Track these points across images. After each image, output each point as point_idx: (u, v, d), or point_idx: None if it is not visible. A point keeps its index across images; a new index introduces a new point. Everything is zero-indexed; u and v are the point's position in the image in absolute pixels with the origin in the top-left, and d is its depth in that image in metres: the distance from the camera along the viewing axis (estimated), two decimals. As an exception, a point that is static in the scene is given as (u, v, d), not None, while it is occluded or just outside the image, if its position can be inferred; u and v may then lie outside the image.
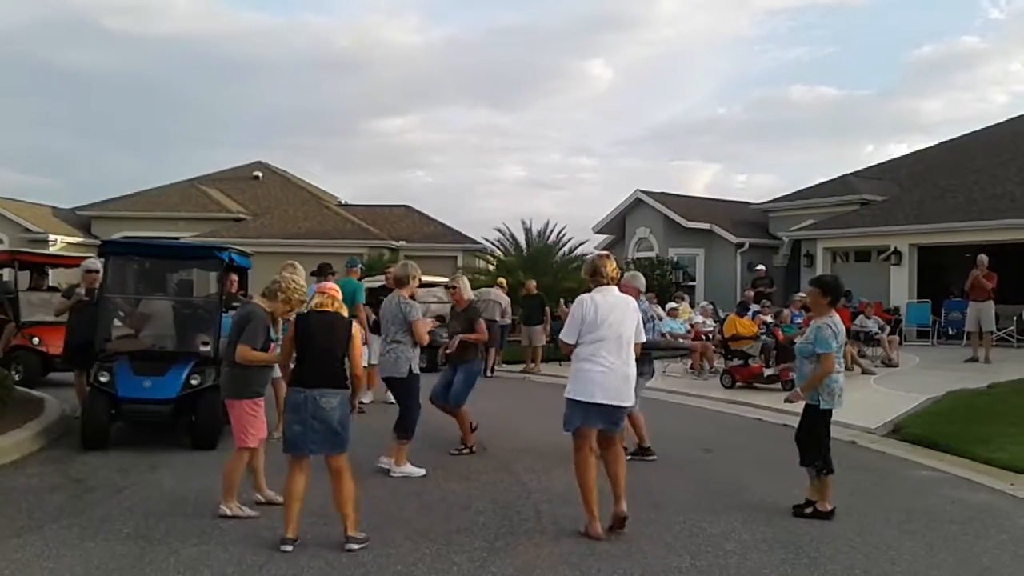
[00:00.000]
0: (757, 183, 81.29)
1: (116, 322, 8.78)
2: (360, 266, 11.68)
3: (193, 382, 8.07)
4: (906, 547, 5.66)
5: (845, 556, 5.39)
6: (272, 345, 6.19)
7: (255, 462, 6.21)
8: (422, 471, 7.29)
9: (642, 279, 8.34)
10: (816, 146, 77.23)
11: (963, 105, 72.61)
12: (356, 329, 5.74)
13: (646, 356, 7.56)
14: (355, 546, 5.24)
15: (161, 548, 5.22)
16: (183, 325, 8.86)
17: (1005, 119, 28.08)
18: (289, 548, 5.19)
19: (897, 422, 10.53)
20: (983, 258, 17.16)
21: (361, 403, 10.90)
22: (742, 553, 5.39)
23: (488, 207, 77.37)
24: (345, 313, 5.70)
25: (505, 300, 16.45)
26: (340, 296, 5.76)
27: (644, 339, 6.19)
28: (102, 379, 8.02)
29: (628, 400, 5.83)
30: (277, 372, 8.79)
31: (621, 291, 6.21)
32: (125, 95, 78.41)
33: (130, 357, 8.26)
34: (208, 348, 8.29)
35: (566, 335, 5.87)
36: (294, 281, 6.14)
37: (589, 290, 6.00)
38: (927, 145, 29.69)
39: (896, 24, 78.47)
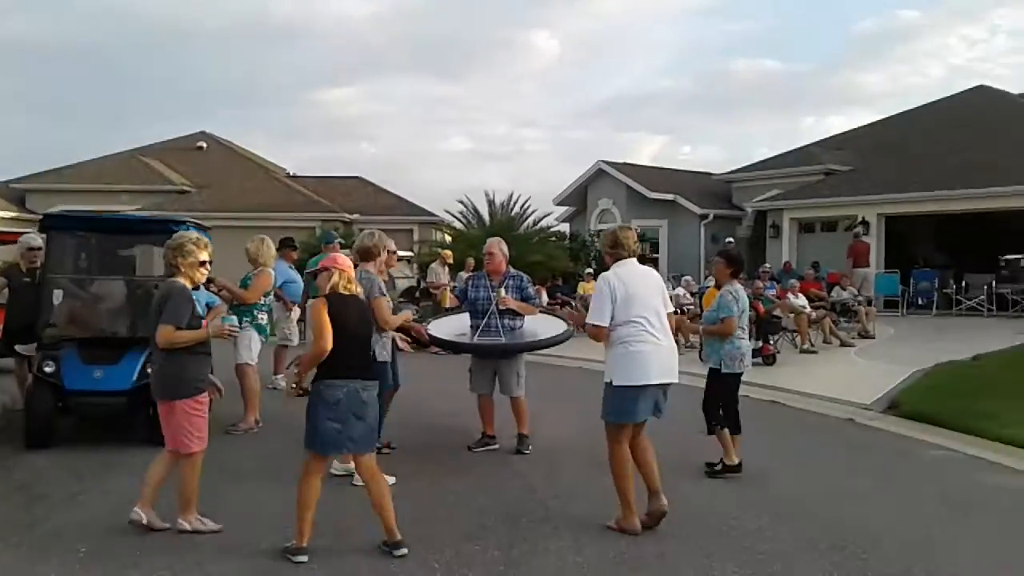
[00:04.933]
0: (702, 155, 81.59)
1: (62, 304, 7.86)
2: (339, 240, 10.79)
3: (149, 371, 7.20)
4: (958, 539, 5.19)
5: (898, 556, 4.87)
6: (204, 322, 5.34)
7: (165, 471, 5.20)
8: (392, 479, 5.83)
9: None
10: (759, 119, 77.51)
11: (901, 78, 73.39)
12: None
13: None
14: (405, 551, 4.68)
15: (128, 571, 4.48)
16: (136, 307, 7.95)
17: (966, 88, 28.04)
18: (305, 559, 4.57)
19: (892, 397, 10.20)
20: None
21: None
22: (786, 556, 4.84)
23: (434, 179, 76.26)
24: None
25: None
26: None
27: (672, 309, 5.63)
28: (47, 369, 7.12)
29: (676, 377, 5.36)
30: (244, 357, 8.03)
31: None
32: (57, 64, 75.24)
33: (78, 344, 7.38)
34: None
35: (596, 317, 5.23)
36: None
37: (606, 267, 5.48)
38: (882, 116, 29.61)
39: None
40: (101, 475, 6.37)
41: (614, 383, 5.19)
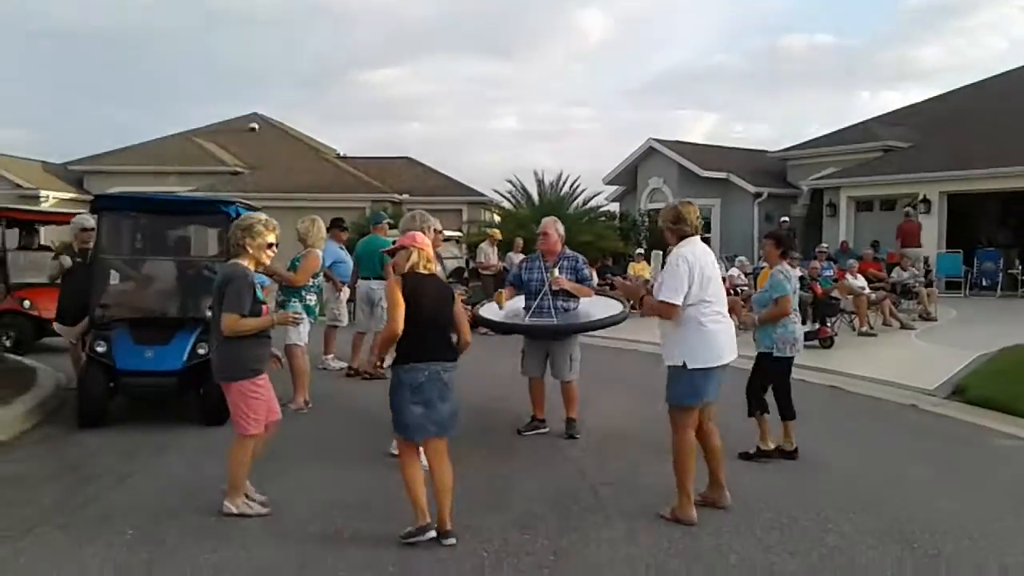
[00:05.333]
0: (755, 133, 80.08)
1: (114, 284, 7.90)
2: (388, 220, 10.69)
3: (200, 351, 7.20)
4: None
5: (968, 551, 4.63)
6: (264, 307, 5.26)
7: (256, 450, 5.21)
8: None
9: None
10: (812, 96, 75.73)
11: (959, 51, 71.01)
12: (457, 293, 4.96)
13: None
14: (454, 540, 4.60)
15: (174, 555, 4.45)
16: (187, 288, 7.96)
17: (1031, 60, 26.99)
18: (433, 534, 4.58)
19: (956, 382, 9.81)
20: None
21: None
22: (848, 550, 4.62)
23: (484, 159, 76.04)
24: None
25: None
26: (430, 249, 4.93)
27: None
28: (99, 349, 7.17)
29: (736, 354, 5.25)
30: (293, 338, 8.00)
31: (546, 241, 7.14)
32: (114, 48, 76.47)
33: (129, 324, 7.40)
34: (216, 313, 7.41)
35: (672, 295, 4.97)
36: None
37: (662, 243, 5.32)
38: (941, 91, 28.61)
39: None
40: (152, 456, 6.37)
41: (688, 365, 5.00)
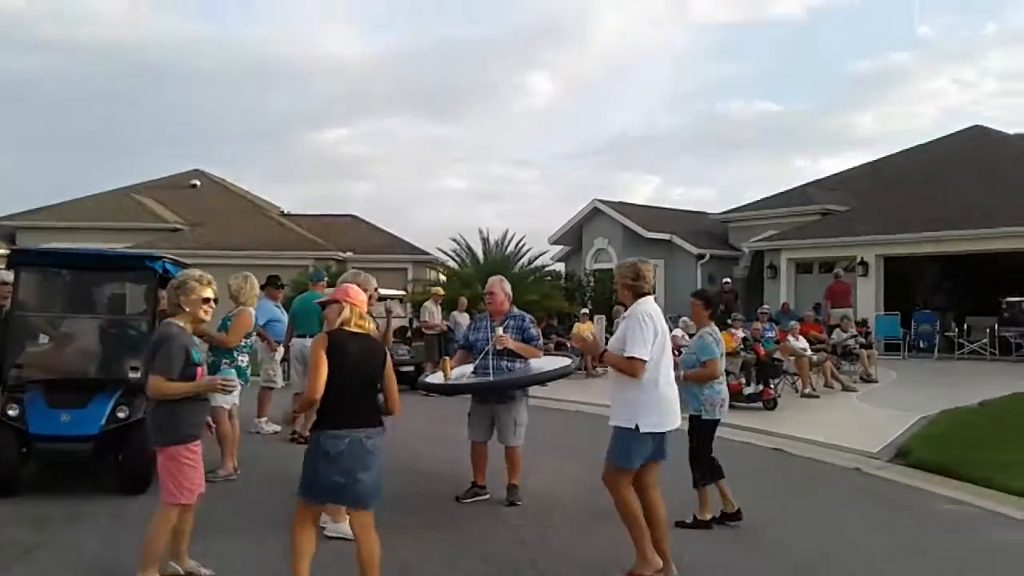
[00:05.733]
0: (695, 196, 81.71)
1: (31, 344, 7.48)
2: (326, 279, 10.43)
3: (120, 415, 6.79)
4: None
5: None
6: (200, 370, 5.00)
7: (183, 523, 4.89)
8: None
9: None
10: (754, 160, 77.73)
11: (895, 120, 73.82)
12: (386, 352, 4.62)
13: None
14: None
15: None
16: (109, 347, 7.58)
17: (963, 127, 27.98)
18: None
19: (899, 445, 9.80)
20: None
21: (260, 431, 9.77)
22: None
23: (431, 220, 76.03)
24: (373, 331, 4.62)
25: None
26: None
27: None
28: (11, 412, 6.69)
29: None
30: (220, 401, 7.63)
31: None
32: (50, 101, 75.39)
33: (45, 386, 6.97)
34: (138, 375, 6.99)
35: (639, 350, 4.85)
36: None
37: (612, 300, 5.20)
38: (875, 157, 29.46)
39: (833, 41, 79.59)
40: (63, 527, 5.93)
41: (640, 428, 4.88)
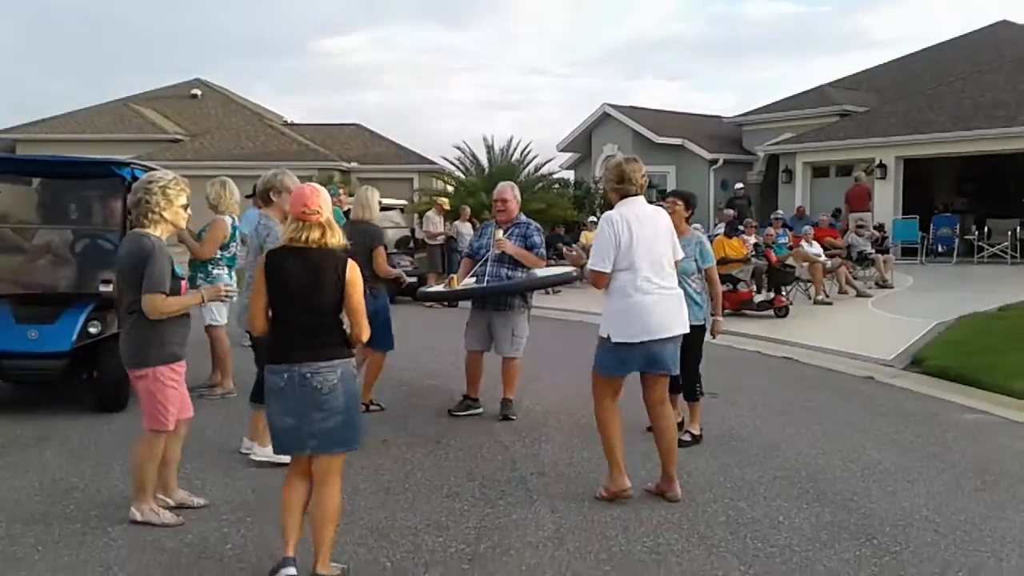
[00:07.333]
0: (716, 102, 79.83)
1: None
2: (339, 193, 9.90)
3: (92, 330, 6.45)
4: (1002, 523, 4.45)
5: (932, 548, 4.13)
6: (184, 283, 4.61)
7: (170, 452, 4.51)
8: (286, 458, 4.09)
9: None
10: (774, 63, 75.53)
11: (919, 16, 71.08)
12: (353, 269, 3.78)
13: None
14: (339, 569, 3.73)
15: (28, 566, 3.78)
16: (79, 260, 7.18)
17: (986, 24, 26.74)
18: (293, 572, 3.58)
19: (914, 352, 9.44)
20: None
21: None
22: (803, 550, 4.09)
23: (443, 129, 74.86)
24: (338, 245, 3.76)
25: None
26: (327, 214, 3.75)
27: (682, 255, 5.01)
28: (-25, 330, 6.39)
29: (686, 327, 4.81)
30: (211, 318, 7.29)
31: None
32: (52, 12, 73.65)
33: (12, 300, 6.62)
34: (111, 288, 6.58)
35: (598, 262, 4.61)
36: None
37: (610, 205, 4.83)
38: (896, 56, 28.20)
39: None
40: (28, 448, 5.64)
41: (612, 338, 4.59)
